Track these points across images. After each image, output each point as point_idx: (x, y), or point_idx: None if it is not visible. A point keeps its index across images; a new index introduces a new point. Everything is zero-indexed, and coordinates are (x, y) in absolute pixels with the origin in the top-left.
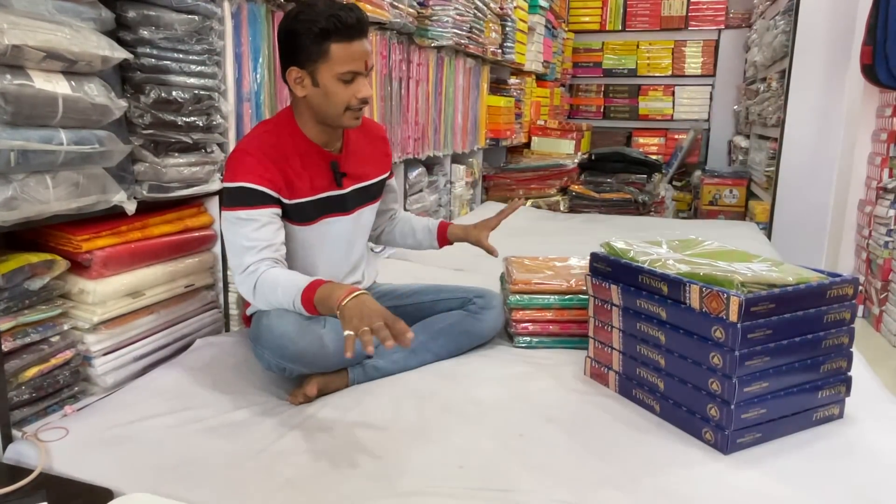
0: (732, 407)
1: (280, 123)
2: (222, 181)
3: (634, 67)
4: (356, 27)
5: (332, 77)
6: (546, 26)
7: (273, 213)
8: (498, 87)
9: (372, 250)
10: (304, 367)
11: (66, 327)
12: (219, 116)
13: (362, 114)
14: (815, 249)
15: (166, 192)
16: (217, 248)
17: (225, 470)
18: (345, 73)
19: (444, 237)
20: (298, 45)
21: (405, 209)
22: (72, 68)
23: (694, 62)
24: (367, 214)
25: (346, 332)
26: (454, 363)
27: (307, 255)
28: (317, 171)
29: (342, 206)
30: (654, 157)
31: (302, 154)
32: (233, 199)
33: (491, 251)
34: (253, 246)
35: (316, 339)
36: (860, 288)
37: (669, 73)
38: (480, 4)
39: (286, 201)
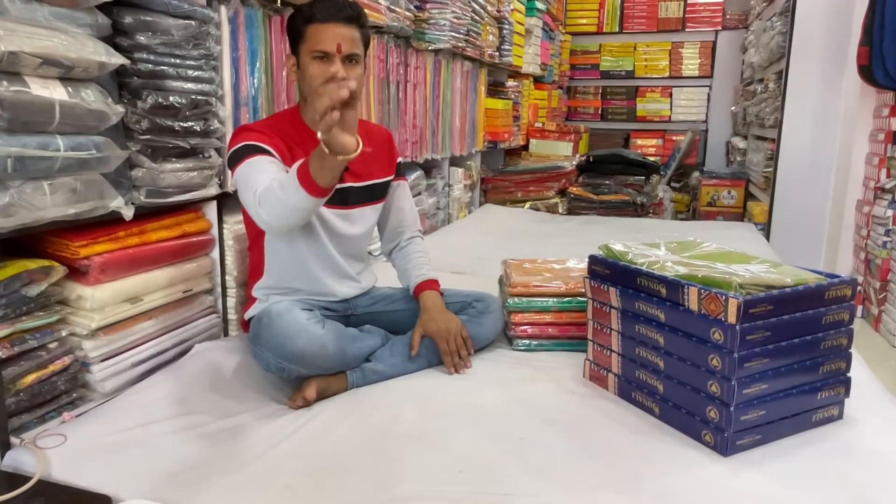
0: (732, 409)
1: (284, 115)
2: (227, 150)
3: (632, 69)
4: (333, 13)
5: (307, 56)
6: (543, 29)
7: (278, 159)
8: (495, 89)
9: (370, 254)
10: (303, 367)
11: (64, 333)
12: (216, 121)
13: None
14: (814, 250)
15: (164, 198)
16: (215, 253)
17: (224, 475)
18: (315, 50)
19: (416, 297)
20: (291, 31)
21: None
22: (68, 74)
23: (691, 63)
24: (368, 214)
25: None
26: None
27: (307, 249)
28: None
29: (342, 200)
30: (652, 158)
31: (305, 144)
32: (238, 156)
33: (412, 346)
34: (261, 180)
35: (315, 339)
36: (859, 288)
37: (667, 74)
38: (477, 7)
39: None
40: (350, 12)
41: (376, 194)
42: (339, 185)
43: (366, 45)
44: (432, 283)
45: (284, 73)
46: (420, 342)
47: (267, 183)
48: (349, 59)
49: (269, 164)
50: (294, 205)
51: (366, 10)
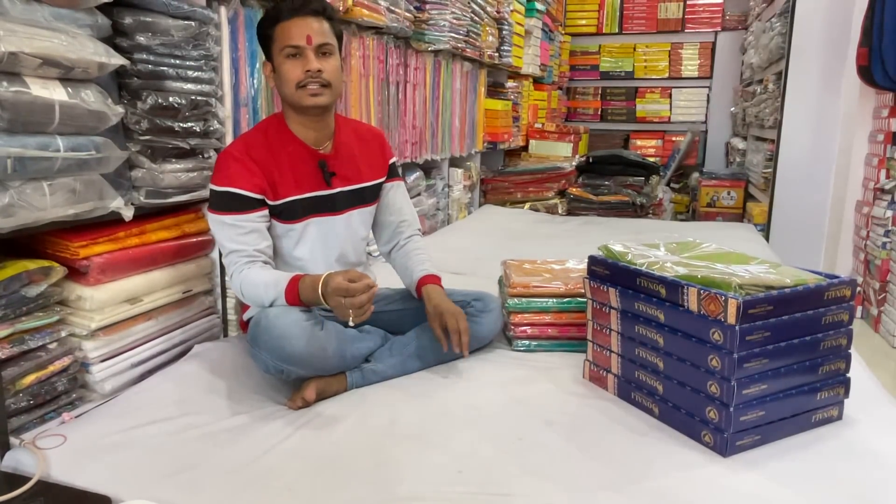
0: (731, 409)
1: (270, 123)
2: (211, 177)
3: (631, 70)
4: (297, 8)
5: (280, 56)
6: (543, 29)
7: (258, 216)
8: (495, 90)
9: (370, 255)
10: (302, 368)
11: (63, 334)
12: (216, 122)
13: (322, 91)
14: (813, 251)
15: (164, 198)
16: (215, 254)
17: (223, 476)
18: (285, 47)
19: (419, 292)
20: (261, 38)
21: None
22: (68, 75)
23: (691, 64)
24: (358, 217)
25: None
26: (453, 367)
27: (298, 256)
28: (303, 170)
29: (331, 205)
30: (651, 159)
31: (289, 152)
32: (218, 203)
33: (441, 341)
34: (241, 249)
35: (314, 341)
36: (858, 289)
37: (666, 75)
38: (477, 8)
39: (271, 202)
40: (316, 5)
41: (367, 197)
42: (328, 191)
43: (339, 38)
44: (434, 279)
45: None
46: (443, 334)
47: (247, 267)
48: (322, 52)
49: (249, 233)
50: (271, 303)
51: (366, 11)
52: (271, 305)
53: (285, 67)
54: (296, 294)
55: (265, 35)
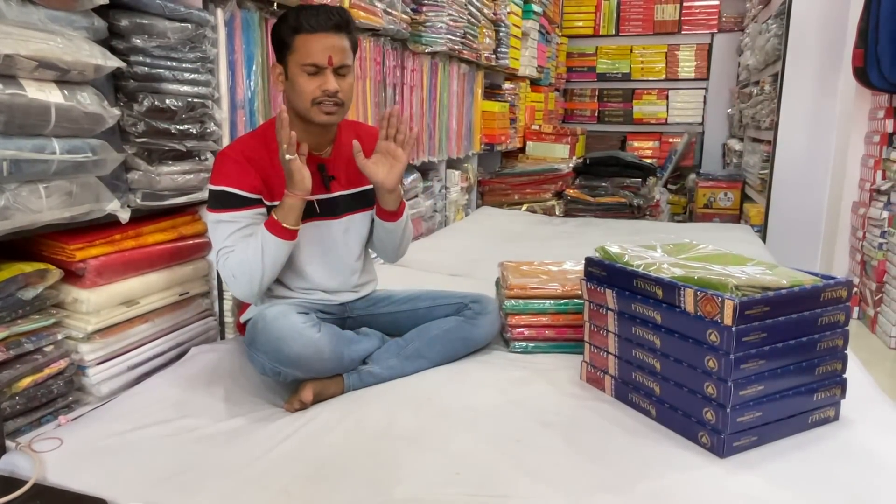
0: (728, 410)
1: (272, 125)
2: (210, 177)
3: (628, 71)
4: (322, 22)
5: (297, 68)
6: (540, 31)
7: (255, 213)
8: (492, 92)
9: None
10: (299, 370)
11: (59, 337)
12: (212, 124)
13: (336, 110)
14: (810, 252)
15: (160, 201)
16: (211, 256)
17: (220, 479)
18: (306, 64)
19: (379, 208)
20: (277, 41)
21: None
22: (64, 77)
23: (687, 66)
24: (359, 221)
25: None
26: (450, 369)
27: (298, 258)
28: None
29: (331, 209)
30: (648, 160)
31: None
32: (215, 202)
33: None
34: (230, 246)
35: (311, 343)
36: (855, 290)
37: (663, 76)
38: (474, 10)
39: (268, 203)
40: (338, 19)
41: (366, 201)
42: (328, 195)
43: (354, 51)
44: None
45: None
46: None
47: (238, 257)
48: (340, 73)
49: (243, 228)
50: (261, 254)
51: (362, 13)
52: (264, 266)
53: (301, 81)
54: (277, 222)
55: (282, 41)
